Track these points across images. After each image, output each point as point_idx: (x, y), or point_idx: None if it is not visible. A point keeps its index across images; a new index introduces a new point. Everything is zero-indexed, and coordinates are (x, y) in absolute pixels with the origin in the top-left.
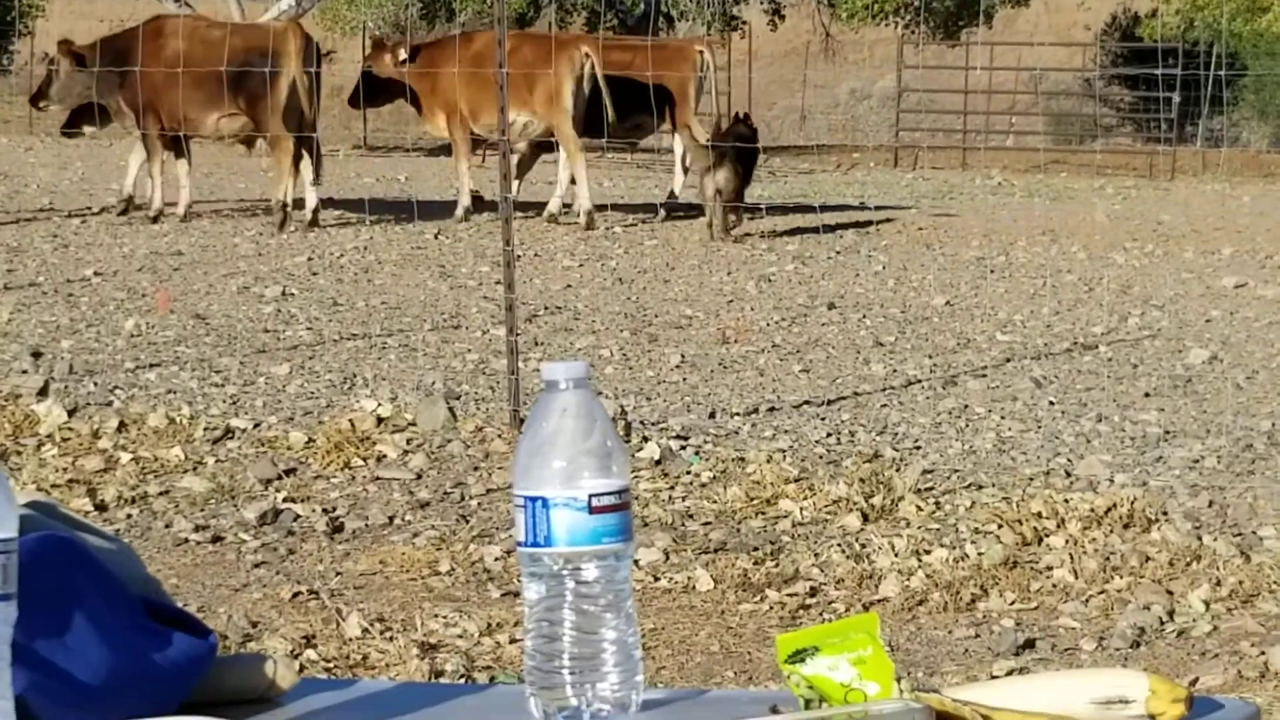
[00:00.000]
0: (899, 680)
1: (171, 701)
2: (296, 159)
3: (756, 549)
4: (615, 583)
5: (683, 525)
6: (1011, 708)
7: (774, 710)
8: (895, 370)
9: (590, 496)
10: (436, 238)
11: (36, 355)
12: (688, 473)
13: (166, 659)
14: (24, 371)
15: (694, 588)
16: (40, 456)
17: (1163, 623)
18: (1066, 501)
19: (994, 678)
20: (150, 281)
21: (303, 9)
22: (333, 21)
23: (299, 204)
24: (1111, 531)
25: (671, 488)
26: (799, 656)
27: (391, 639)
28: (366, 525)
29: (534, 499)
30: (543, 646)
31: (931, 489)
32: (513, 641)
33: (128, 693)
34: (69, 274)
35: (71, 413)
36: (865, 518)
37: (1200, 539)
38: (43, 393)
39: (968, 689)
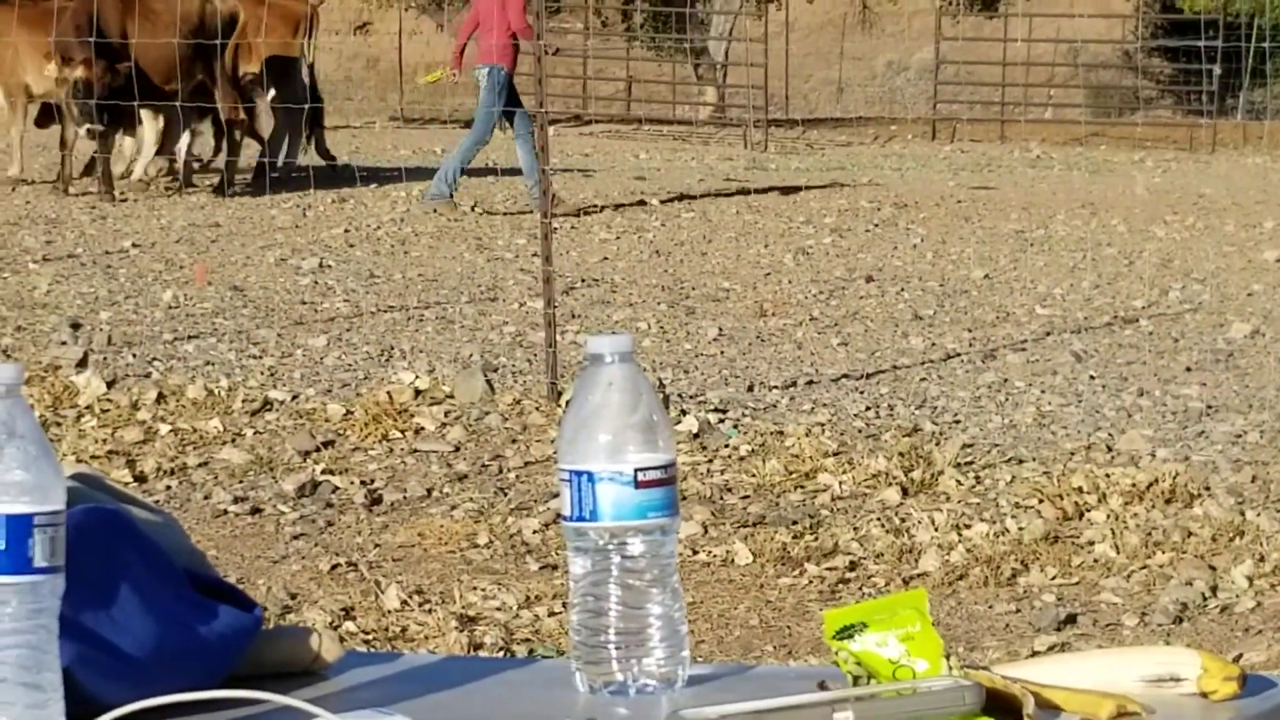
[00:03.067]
0: (948, 657)
1: (217, 674)
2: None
3: (795, 523)
4: (661, 557)
5: (721, 499)
6: (1061, 685)
7: (822, 686)
8: (934, 344)
9: (636, 471)
10: (473, 209)
11: (75, 327)
12: (726, 446)
13: (212, 632)
14: (63, 343)
15: (733, 561)
16: (79, 428)
17: (1205, 598)
18: (1108, 476)
19: (1035, 653)
20: (188, 253)
21: None
22: None
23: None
24: (1153, 506)
25: (710, 461)
26: (847, 632)
27: (430, 611)
28: (405, 498)
29: (580, 473)
30: (588, 621)
31: (971, 463)
32: (551, 614)
33: (173, 665)
34: (107, 245)
35: (110, 384)
36: (905, 492)
37: (1243, 514)
38: (82, 364)
39: (1016, 666)
